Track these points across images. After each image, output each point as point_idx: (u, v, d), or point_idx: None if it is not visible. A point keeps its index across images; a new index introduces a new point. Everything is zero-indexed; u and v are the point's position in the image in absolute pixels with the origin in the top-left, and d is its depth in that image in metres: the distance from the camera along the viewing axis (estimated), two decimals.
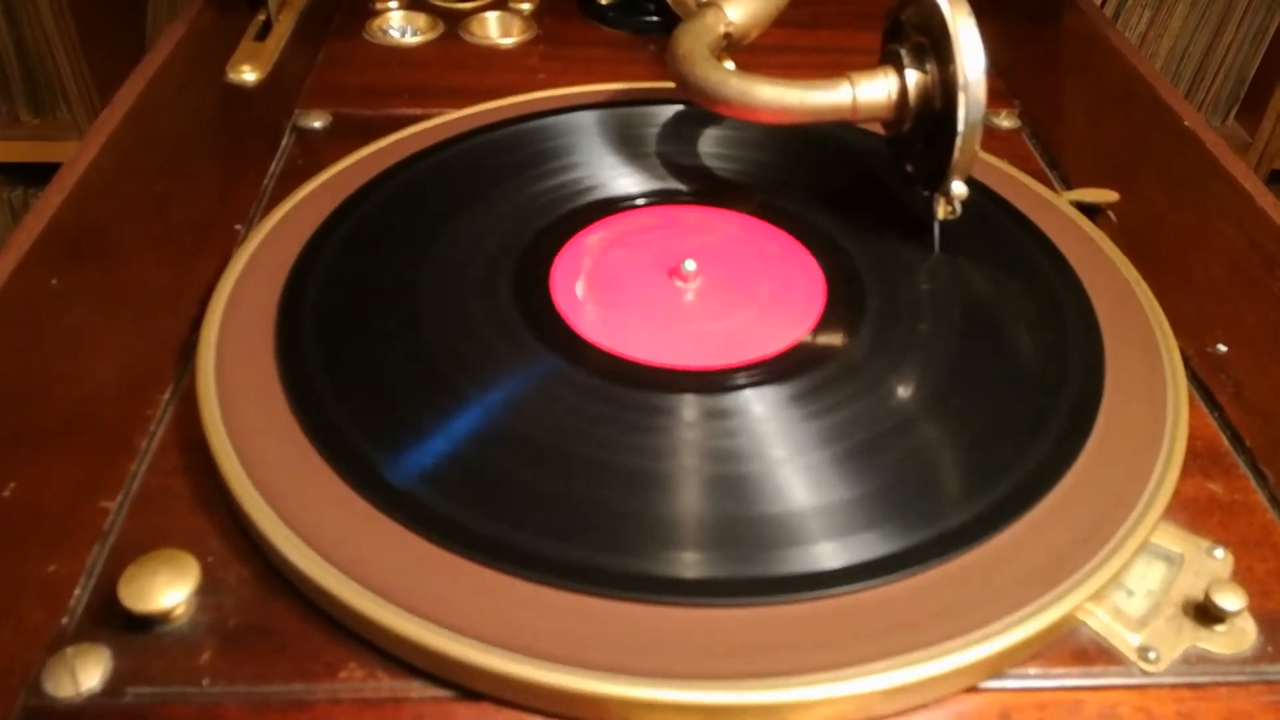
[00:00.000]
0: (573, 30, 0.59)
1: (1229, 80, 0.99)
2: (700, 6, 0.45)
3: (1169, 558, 0.30)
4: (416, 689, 0.27)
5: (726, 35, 0.44)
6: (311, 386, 0.33)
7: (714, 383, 0.34)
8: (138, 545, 0.29)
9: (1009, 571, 0.28)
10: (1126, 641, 0.28)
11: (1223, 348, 0.38)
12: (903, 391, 0.34)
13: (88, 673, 0.26)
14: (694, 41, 0.42)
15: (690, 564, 0.28)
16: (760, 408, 0.33)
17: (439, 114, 0.47)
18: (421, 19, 0.59)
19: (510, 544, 0.28)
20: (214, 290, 0.36)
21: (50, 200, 0.33)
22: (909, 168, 0.41)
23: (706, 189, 0.44)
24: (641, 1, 0.59)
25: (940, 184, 0.38)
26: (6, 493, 0.27)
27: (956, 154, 0.37)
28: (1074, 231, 0.42)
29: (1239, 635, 0.29)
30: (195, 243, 0.40)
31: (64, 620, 0.28)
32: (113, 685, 0.26)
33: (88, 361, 0.33)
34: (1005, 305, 0.38)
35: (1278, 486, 0.33)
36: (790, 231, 0.41)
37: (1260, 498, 0.33)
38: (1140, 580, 0.30)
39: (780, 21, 0.47)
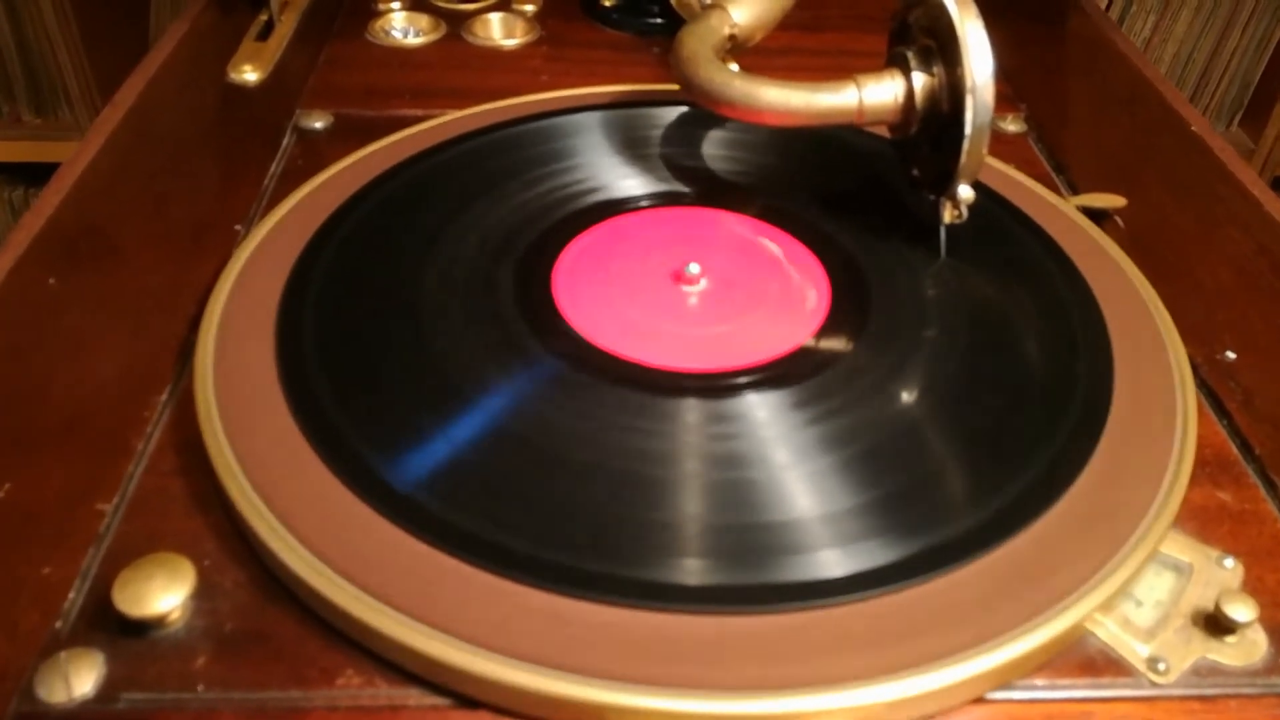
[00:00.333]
0: (576, 32, 0.59)
1: (1233, 86, 0.99)
2: (705, 8, 0.45)
3: (1178, 567, 0.30)
4: (415, 696, 0.26)
5: (731, 37, 0.44)
6: (310, 388, 0.33)
7: (717, 386, 0.34)
8: (133, 548, 0.29)
9: (1015, 581, 0.28)
10: (1135, 652, 0.28)
11: (1231, 354, 0.37)
12: (907, 397, 0.34)
13: (81, 678, 0.26)
14: (698, 43, 0.42)
15: (692, 571, 0.28)
16: (763, 412, 0.33)
17: (441, 115, 0.47)
18: (424, 20, 0.58)
19: (511, 549, 0.28)
20: (213, 291, 0.36)
21: (48, 200, 0.33)
22: (915, 171, 0.41)
23: (710, 191, 0.44)
24: (645, 3, 0.59)
25: (946, 188, 0.38)
26: (1, 494, 0.27)
27: (963, 157, 0.36)
28: (1081, 236, 0.42)
29: (1250, 647, 0.28)
30: (194, 243, 0.40)
31: (58, 624, 0.27)
32: (106, 691, 0.26)
33: (85, 362, 0.32)
34: (1011, 311, 0.38)
35: None
36: (795, 235, 0.41)
37: (1270, 506, 0.33)
38: (1149, 590, 0.29)
39: (784, 24, 0.47)
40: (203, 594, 0.28)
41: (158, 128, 0.40)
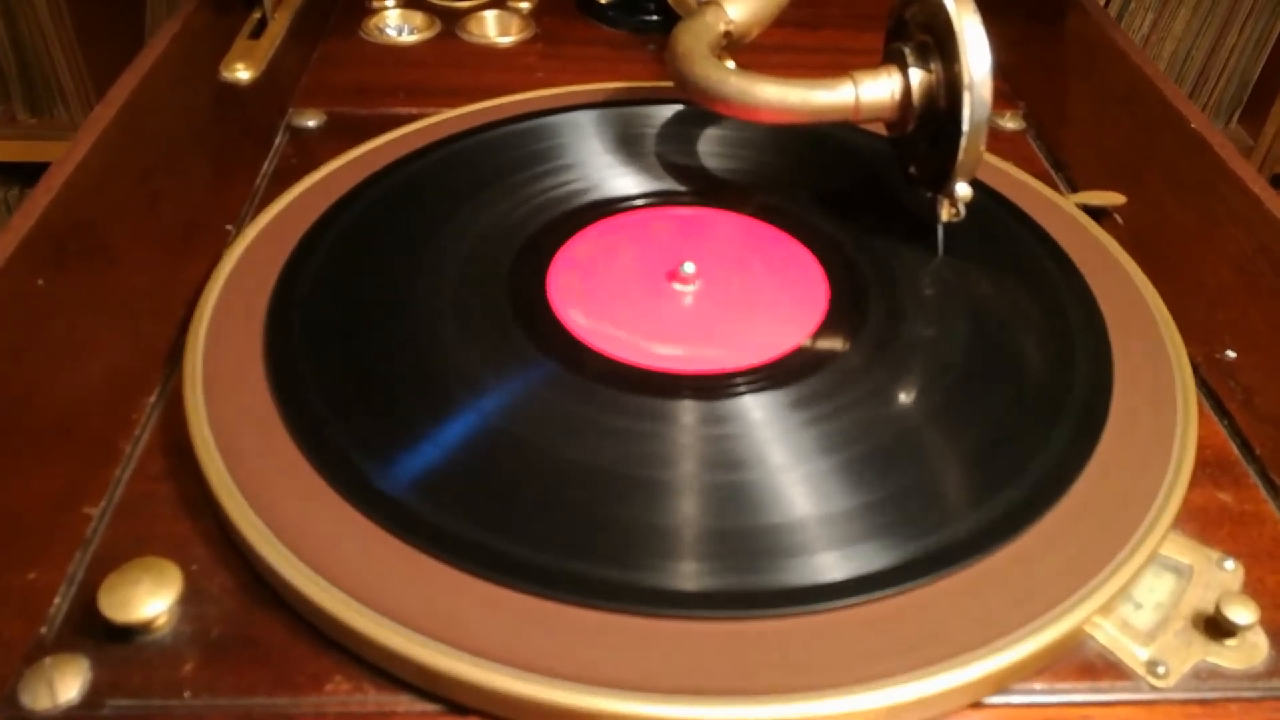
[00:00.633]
0: (572, 29, 0.58)
1: (1232, 84, 0.98)
2: (700, 5, 0.44)
3: (1178, 569, 0.30)
4: (404, 703, 0.26)
5: (727, 34, 0.44)
6: (300, 390, 0.32)
7: (713, 387, 0.34)
8: (120, 553, 0.28)
9: (1014, 584, 0.28)
10: (1135, 656, 0.28)
11: (1232, 354, 0.37)
12: (905, 398, 0.34)
13: (66, 684, 0.25)
14: (693, 40, 0.41)
15: (687, 575, 0.28)
16: (760, 413, 0.33)
17: (435, 114, 0.47)
18: (418, 17, 0.58)
19: (503, 554, 0.28)
20: (202, 292, 0.36)
21: (38, 200, 0.33)
22: (912, 169, 0.41)
23: (706, 190, 0.43)
24: (641, 0, 0.58)
25: (944, 185, 0.37)
26: None
27: (961, 155, 0.36)
28: (1080, 234, 0.41)
29: (1250, 650, 0.28)
30: (185, 243, 0.40)
31: (43, 630, 0.27)
32: (91, 697, 0.25)
33: (74, 364, 0.32)
34: (1010, 309, 0.38)
35: None
36: (791, 233, 0.41)
37: (1271, 508, 0.32)
38: (1149, 593, 0.29)
39: (781, 21, 0.46)
40: (190, 599, 0.27)
41: (150, 127, 0.40)
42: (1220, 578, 0.30)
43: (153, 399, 0.34)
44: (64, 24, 0.86)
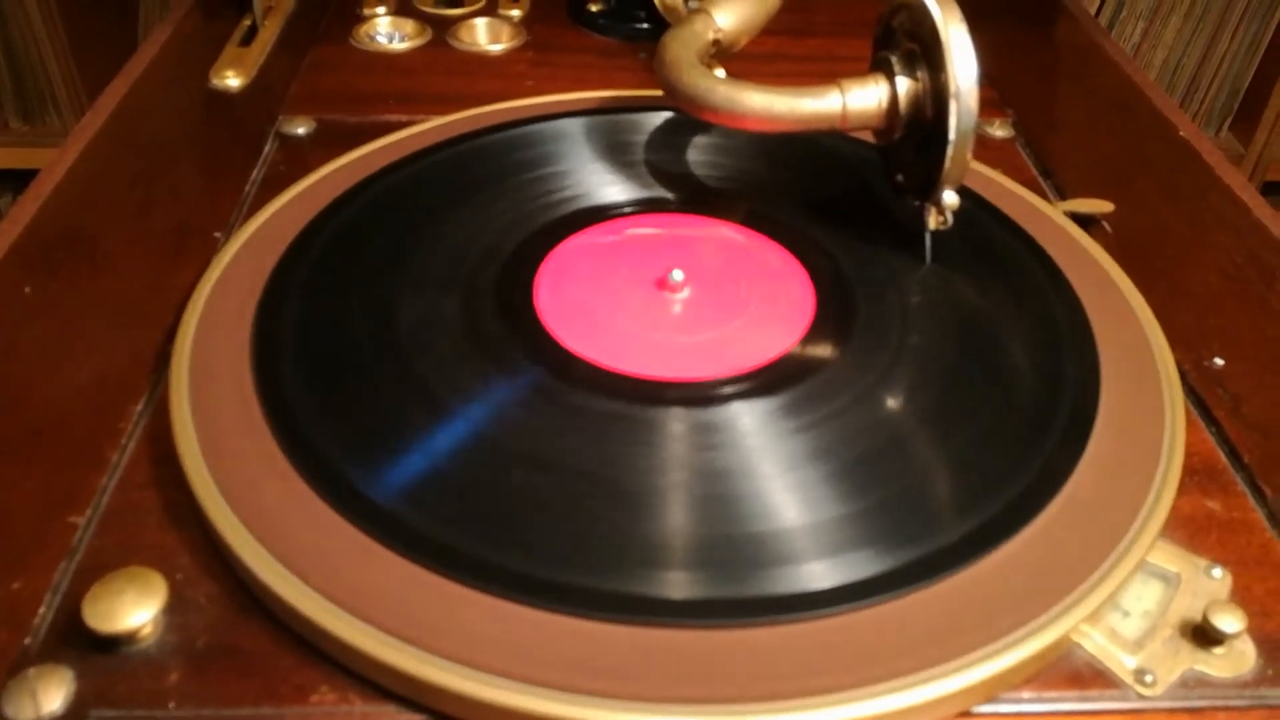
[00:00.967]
0: (562, 37, 0.58)
1: (1223, 91, 0.99)
2: (690, 13, 0.44)
3: (1166, 577, 0.30)
4: (390, 713, 0.26)
5: (715, 42, 0.44)
6: (287, 399, 0.32)
7: (701, 395, 0.34)
8: (105, 562, 0.28)
9: (1001, 592, 0.28)
10: (1122, 664, 0.28)
11: (1220, 361, 0.37)
12: (893, 405, 0.34)
13: (49, 695, 0.25)
14: (681, 48, 0.41)
15: (676, 584, 0.28)
16: (748, 420, 0.33)
17: (425, 121, 0.47)
18: (409, 25, 0.58)
19: (491, 563, 0.28)
20: (190, 300, 0.36)
21: (26, 207, 0.33)
22: (900, 177, 0.41)
23: (695, 198, 0.44)
24: (632, 8, 0.58)
25: (931, 193, 0.38)
26: None
27: (948, 163, 0.36)
28: (1068, 242, 0.41)
29: (1238, 658, 0.28)
30: (174, 250, 0.40)
31: (27, 640, 0.27)
32: (75, 708, 0.25)
33: (60, 371, 0.32)
34: (998, 317, 0.38)
35: (1276, 504, 0.33)
36: (779, 241, 0.41)
37: (1259, 515, 0.32)
38: (1136, 601, 0.29)
39: (770, 29, 0.46)
40: (175, 609, 0.27)
41: (139, 133, 0.40)
42: (1208, 586, 0.30)
43: (140, 406, 0.34)
44: (57, 31, 0.86)
